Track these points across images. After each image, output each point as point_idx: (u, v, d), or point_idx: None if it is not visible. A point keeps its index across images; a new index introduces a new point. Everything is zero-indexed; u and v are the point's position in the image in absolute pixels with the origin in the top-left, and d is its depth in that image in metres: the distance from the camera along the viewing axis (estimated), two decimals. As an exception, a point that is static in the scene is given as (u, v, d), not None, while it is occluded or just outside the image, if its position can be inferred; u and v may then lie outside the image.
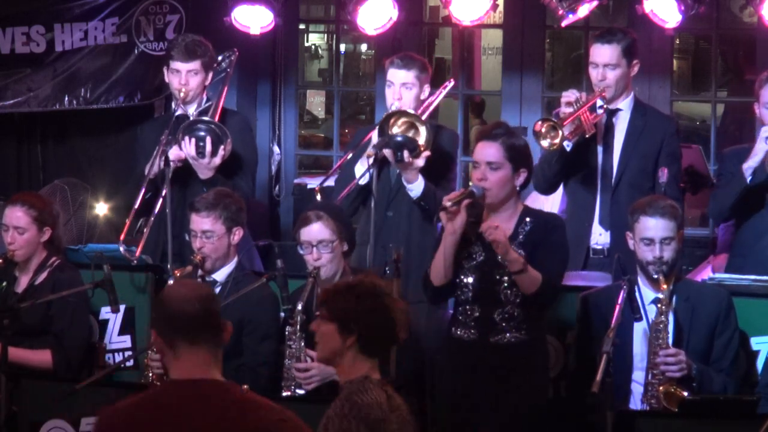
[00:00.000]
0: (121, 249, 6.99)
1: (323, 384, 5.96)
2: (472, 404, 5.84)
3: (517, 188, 5.90)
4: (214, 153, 6.94)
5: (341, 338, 4.54)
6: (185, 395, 3.89)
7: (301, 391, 5.98)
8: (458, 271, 5.88)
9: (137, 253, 6.97)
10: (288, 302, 6.01)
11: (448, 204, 5.74)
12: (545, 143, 6.51)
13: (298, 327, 5.97)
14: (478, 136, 6.04)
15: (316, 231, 6.12)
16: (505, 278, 5.78)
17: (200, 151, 6.95)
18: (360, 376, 4.53)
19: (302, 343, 5.97)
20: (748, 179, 6.58)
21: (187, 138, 6.96)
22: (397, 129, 6.70)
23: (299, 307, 5.95)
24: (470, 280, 5.86)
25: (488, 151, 5.84)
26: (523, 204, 6.03)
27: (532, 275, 5.71)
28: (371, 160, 6.72)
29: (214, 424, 3.83)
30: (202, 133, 6.96)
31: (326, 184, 7.25)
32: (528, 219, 5.88)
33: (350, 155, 7.04)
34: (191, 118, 7.09)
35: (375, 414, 4.43)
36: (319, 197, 6.87)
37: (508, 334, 5.79)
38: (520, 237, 5.84)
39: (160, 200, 7.02)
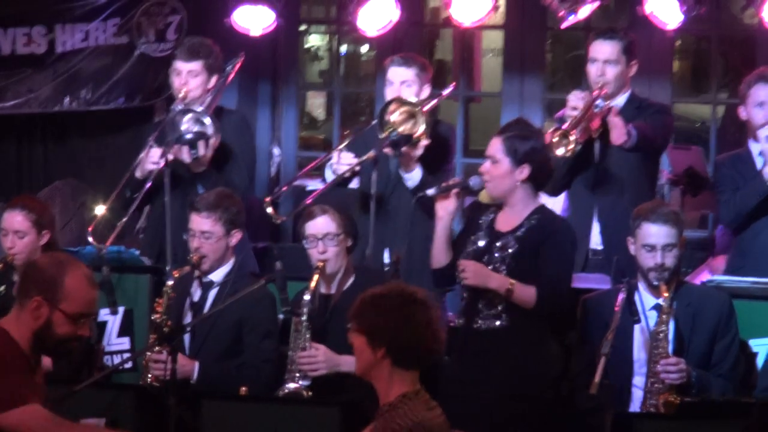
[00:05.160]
0: (90, 239, 7.00)
1: (327, 383, 5.99)
2: (458, 391, 5.85)
3: (519, 183, 5.86)
4: (195, 146, 6.95)
5: (371, 351, 4.38)
6: None
7: (305, 382, 5.99)
8: (462, 257, 5.95)
9: (107, 243, 6.96)
10: (287, 304, 6.03)
11: (430, 192, 5.90)
12: (560, 152, 6.48)
13: (305, 318, 5.99)
14: None
15: (322, 224, 6.14)
16: (490, 266, 5.83)
17: (194, 152, 6.95)
18: (396, 397, 4.37)
19: (308, 335, 6.00)
20: None
21: (178, 147, 6.93)
22: (395, 117, 6.70)
23: (306, 297, 5.98)
24: None
25: (491, 145, 5.93)
26: (541, 203, 5.99)
27: (524, 293, 5.77)
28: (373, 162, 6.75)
29: None
30: (190, 136, 6.93)
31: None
32: (536, 215, 5.89)
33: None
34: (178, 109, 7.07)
35: None
36: (270, 210, 6.85)
37: (488, 322, 5.84)
38: (520, 231, 5.87)
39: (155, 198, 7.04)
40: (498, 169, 5.88)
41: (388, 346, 4.36)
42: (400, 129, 6.67)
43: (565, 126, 6.58)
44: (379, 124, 6.72)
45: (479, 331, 5.86)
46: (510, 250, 5.83)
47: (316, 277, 6.06)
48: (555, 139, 6.47)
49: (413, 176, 6.76)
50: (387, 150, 6.70)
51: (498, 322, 5.84)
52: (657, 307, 5.87)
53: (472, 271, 5.79)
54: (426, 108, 6.84)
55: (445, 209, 5.91)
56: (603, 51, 6.88)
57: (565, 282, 5.91)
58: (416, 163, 6.73)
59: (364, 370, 4.45)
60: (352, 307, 4.50)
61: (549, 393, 5.91)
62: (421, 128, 6.67)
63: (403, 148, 6.65)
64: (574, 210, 7.01)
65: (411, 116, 6.72)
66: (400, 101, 6.74)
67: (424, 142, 6.68)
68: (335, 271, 6.17)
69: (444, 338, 4.51)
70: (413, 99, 6.83)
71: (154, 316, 6.24)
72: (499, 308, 5.83)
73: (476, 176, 5.95)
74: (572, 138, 6.51)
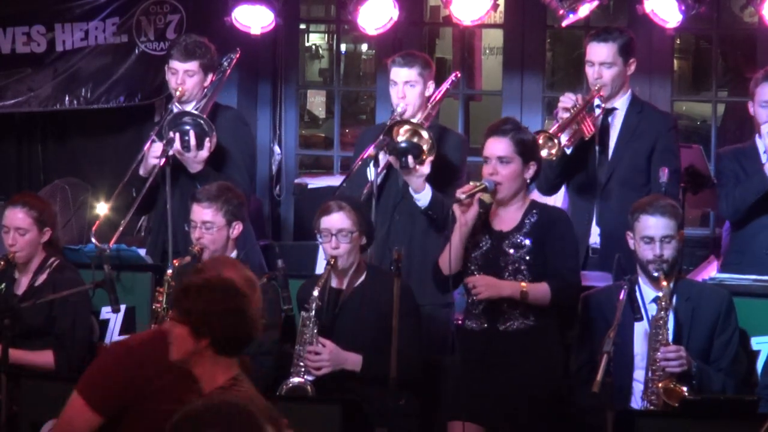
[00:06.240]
0: (93, 240, 6.98)
1: (329, 379, 6.00)
2: (484, 393, 5.89)
3: (527, 181, 6.03)
4: (199, 146, 6.93)
5: (194, 341, 4.30)
6: None
7: (310, 377, 6.01)
8: (466, 260, 5.99)
9: (111, 243, 6.94)
10: (288, 302, 6.04)
11: (462, 197, 5.86)
12: (544, 153, 6.53)
13: (313, 313, 6.01)
14: (487, 132, 6.09)
15: (337, 220, 6.16)
16: (509, 266, 5.92)
17: (185, 146, 6.93)
18: (227, 380, 4.29)
19: (315, 330, 6.01)
20: None
21: (170, 133, 6.94)
22: (400, 138, 6.68)
23: (315, 293, 6.00)
24: (476, 268, 5.97)
25: (498, 146, 5.97)
26: (531, 198, 6.14)
27: (539, 292, 5.84)
28: (374, 161, 6.72)
29: None
30: (186, 127, 6.94)
31: (329, 184, 7.24)
32: (534, 210, 6.01)
33: (356, 167, 7.00)
34: (175, 112, 7.08)
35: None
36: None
37: (515, 322, 5.91)
38: (526, 228, 5.97)
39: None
40: (510, 169, 5.93)
41: (212, 337, 4.29)
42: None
43: (552, 129, 6.61)
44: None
45: (506, 333, 5.91)
46: (525, 248, 5.90)
47: (326, 273, 6.07)
48: (540, 141, 6.50)
49: (423, 196, 6.72)
50: (392, 159, 6.67)
51: (526, 322, 5.88)
52: (657, 299, 5.90)
53: (483, 285, 5.82)
54: (434, 109, 6.85)
55: (468, 216, 5.90)
56: (598, 54, 6.87)
57: (575, 271, 6.02)
58: (425, 183, 6.71)
59: (185, 358, 4.34)
60: (174, 295, 4.44)
61: (553, 393, 5.95)
62: (427, 144, 6.64)
63: (410, 163, 6.59)
64: (574, 209, 7.01)
65: (415, 134, 6.70)
66: (402, 122, 6.72)
67: (431, 157, 6.65)
68: (347, 268, 6.18)
69: (261, 324, 4.40)
70: (418, 100, 6.83)
71: (154, 305, 6.26)
72: (525, 306, 5.88)
73: (487, 178, 5.95)
74: (556, 141, 6.54)
